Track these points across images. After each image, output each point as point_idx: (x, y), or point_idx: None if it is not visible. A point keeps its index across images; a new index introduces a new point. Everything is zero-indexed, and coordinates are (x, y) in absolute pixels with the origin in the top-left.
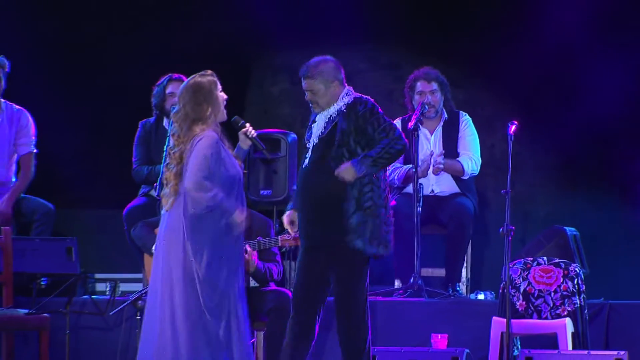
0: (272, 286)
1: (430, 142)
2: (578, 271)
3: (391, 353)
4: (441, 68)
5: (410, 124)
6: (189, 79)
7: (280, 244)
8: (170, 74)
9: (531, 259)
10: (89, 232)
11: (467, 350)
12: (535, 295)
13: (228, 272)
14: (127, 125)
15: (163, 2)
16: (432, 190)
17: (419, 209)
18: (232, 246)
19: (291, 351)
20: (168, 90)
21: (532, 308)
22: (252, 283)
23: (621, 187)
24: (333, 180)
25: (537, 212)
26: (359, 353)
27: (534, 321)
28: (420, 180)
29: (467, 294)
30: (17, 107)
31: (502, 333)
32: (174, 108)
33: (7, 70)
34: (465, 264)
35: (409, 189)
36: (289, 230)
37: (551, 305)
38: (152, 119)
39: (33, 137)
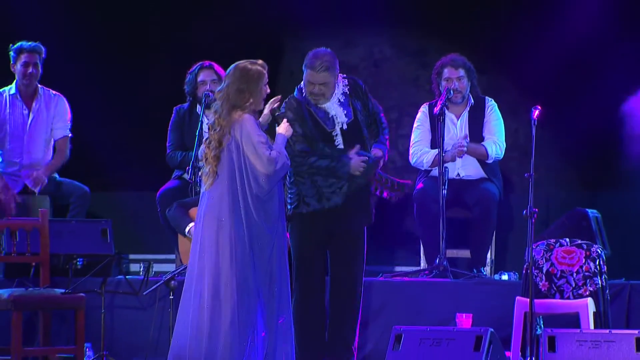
0: None
1: (456, 127)
2: (600, 252)
3: (417, 332)
4: (467, 54)
5: (436, 109)
6: (239, 62)
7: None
8: (202, 62)
9: (554, 240)
10: (123, 214)
11: (491, 330)
12: (558, 275)
13: (275, 252)
14: (160, 111)
15: None
16: (458, 174)
17: (445, 192)
18: (282, 227)
19: None
20: (200, 78)
21: (555, 288)
22: None
23: None
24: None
25: (559, 195)
26: None
27: (557, 301)
28: (446, 164)
29: (491, 274)
30: (54, 92)
31: (525, 313)
32: (206, 94)
33: (43, 56)
34: (489, 246)
35: (435, 172)
36: None
37: (573, 285)
38: (185, 105)
39: (69, 122)
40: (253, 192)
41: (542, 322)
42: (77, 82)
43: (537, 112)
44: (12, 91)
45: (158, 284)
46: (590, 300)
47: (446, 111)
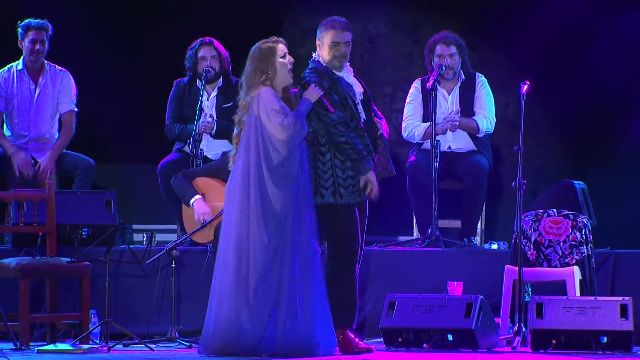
0: None
1: (447, 102)
2: (586, 222)
3: (410, 299)
4: (458, 31)
5: (428, 85)
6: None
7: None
8: (202, 38)
9: (542, 211)
10: (127, 186)
11: (481, 297)
12: (546, 245)
13: (291, 216)
14: (162, 87)
15: None
16: (449, 147)
17: (437, 164)
18: (302, 190)
19: None
20: (200, 54)
21: (543, 257)
22: None
23: (627, 142)
24: None
25: (547, 167)
26: None
27: (544, 269)
28: (437, 137)
29: (481, 244)
30: (60, 68)
31: (514, 280)
32: (206, 69)
33: (50, 33)
34: (479, 216)
35: (427, 145)
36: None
37: (560, 254)
38: (185, 79)
39: (74, 97)
40: (271, 162)
41: (530, 290)
42: (83, 58)
43: (525, 87)
44: (20, 67)
45: (160, 253)
46: (576, 269)
47: (438, 86)
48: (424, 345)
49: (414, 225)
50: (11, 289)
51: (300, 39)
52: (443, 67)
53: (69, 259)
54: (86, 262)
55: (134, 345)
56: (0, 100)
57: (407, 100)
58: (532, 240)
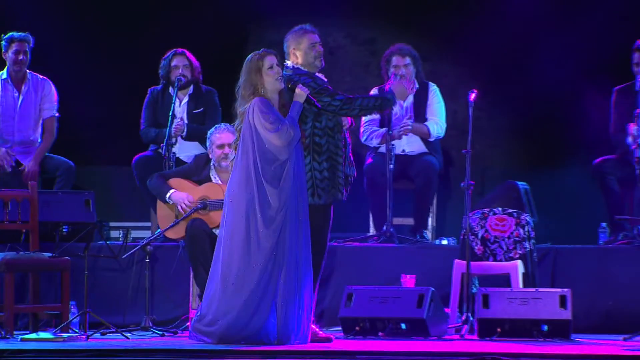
0: None
1: (402, 109)
2: (528, 220)
3: (366, 291)
4: (413, 43)
5: None
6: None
7: None
8: (175, 49)
9: (488, 209)
10: (104, 186)
11: (432, 289)
12: (492, 240)
13: (292, 206)
14: (137, 94)
15: None
16: (403, 150)
17: (392, 166)
18: (298, 191)
19: None
20: (173, 63)
21: (489, 252)
22: None
23: (567, 146)
24: None
25: (493, 169)
26: None
27: (490, 263)
28: (393, 142)
29: (432, 240)
30: (42, 77)
31: (462, 274)
32: (178, 78)
33: (31, 45)
34: (431, 214)
35: (383, 148)
36: None
37: (505, 249)
38: (159, 86)
39: (55, 103)
40: (268, 167)
41: (477, 282)
42: (64, 67)
43: (474, 95)
44: (4, 76)
45: (135, 248)
46: (519, 263)
47: None
48: (379, 333)
49: (371, 223)
50: None
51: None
52: (398, 77)
53: (50, 254)
54: (66, 257)
55: (111, 334)
56: None
57: None
58: (479, 237)
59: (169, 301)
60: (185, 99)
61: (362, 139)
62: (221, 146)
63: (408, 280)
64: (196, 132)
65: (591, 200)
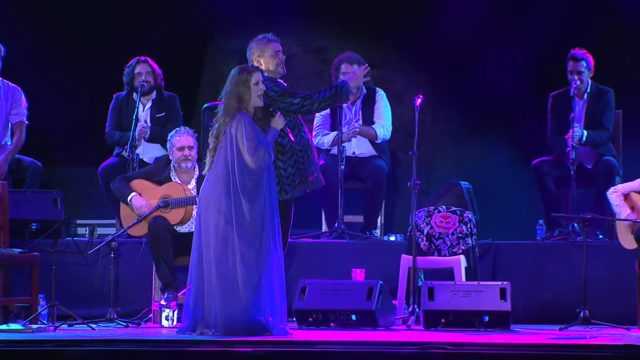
0: None
1: (352, 113)
2: (471, 217)
3: (319, 285)
4: (361, 51)
5: None
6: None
7: None
8: (138, 57)
9: (433, 207)
10: (71, 186)
11: (381, 282)
12: (436, 237)
13: (267, 218)
14: (102, 100)
15: None
16: (354, 152)
17: (343, 167)
18: (274, 201)
19: None
20: (136, 70)
21: (434, 247)
22: None
23: (507, 148)
24: None
25: (438, 170)
26: None
27: (435, 258)
28: (343, 144)
29: (381, 236)
30: (12, 85)
31: (409, 268)
32: (141, 84)
33: (2, 54)
34: (379, 212)
35: (335, 150)
36: None
37: (449, 245)
38: (124, 92)
39: (25, 110)
40: (245, 179)
41: (423, 276)
42: (33, 74)
43: (419, 100)
44: None
45: (101, 244)
46: (462, 257)
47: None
48: (331, 324)
49: (323, 220)
50: None
51: (223, 58)
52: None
53: (20, 250)
54: (35, 253)
55: (78, 325)
56: None
57: None
58: (425, 233)
59: (132, 294)
60: (149, 104)
61: (315, 142)
62: (181, 148)
63: (358, 274)
64: (158, 134)
65: (529, 199)
